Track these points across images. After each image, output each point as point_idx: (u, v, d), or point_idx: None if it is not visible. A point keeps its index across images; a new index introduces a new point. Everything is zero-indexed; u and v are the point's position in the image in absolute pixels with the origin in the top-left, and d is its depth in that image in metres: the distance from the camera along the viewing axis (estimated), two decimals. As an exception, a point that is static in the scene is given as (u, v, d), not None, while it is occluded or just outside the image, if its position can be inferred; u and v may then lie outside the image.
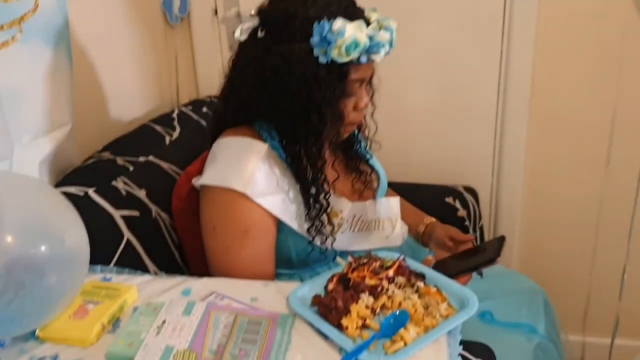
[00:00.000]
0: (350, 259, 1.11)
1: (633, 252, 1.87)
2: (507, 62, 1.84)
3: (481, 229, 1.88)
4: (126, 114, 1.63)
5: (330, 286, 1.05)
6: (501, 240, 1.26)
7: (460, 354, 0.98)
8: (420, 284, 1.05)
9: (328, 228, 1.22)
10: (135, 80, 1.71)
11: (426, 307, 0.99)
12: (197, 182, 1.22)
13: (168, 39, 1.90)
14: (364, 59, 1.12)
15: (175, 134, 1.57)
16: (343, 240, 1.27)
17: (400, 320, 0.96)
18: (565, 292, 2.01)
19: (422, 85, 1.93)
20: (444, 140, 1.98)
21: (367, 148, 1.43)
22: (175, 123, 1.62)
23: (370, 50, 1.12)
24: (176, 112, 1.70)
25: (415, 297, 1.01)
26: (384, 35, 1.13)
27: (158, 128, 1.56)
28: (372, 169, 1.41)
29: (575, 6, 1.77)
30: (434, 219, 1.48)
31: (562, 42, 1.81)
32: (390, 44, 1.16)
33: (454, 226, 1.47)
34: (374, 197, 1.38)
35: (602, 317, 2.01)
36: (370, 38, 1.11)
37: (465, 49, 1.86)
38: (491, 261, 1.23)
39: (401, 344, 0.92)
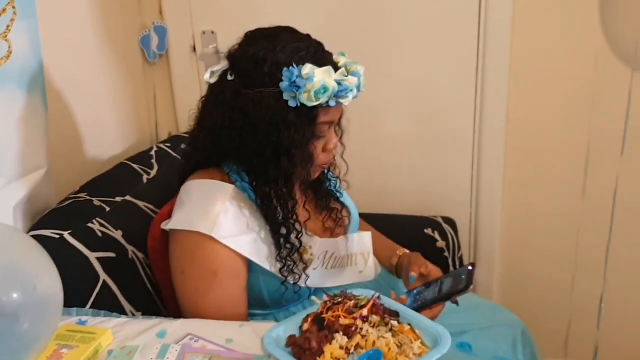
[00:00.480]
0: (325, 297, 1.11)
1: (610, 280, 1.89)
2: (482, 95, 1.87)
3: (460, 259, 1.90)
4: (104, 153, 1.64)
5: (305, 326, 1.05)
6: (472, 267, 1.27)
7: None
8: (394, 322, 1.05)
9: (300, 267, 1.23)
10: (113, 119, 1.72)
11: (399, 346, 1.00)
12: (165, 226, 1.22)
13: (146, 76, 1.92)
14: (332, 102, 1.14)
15: (153, 172, 1.57)
16: (316, 277, 1.28)
17: (374, 359, 0.96)
18: (546, 320, 2.03)
19: (401, 119, 1.95)
20: (423, 172, 2.01)
21: (338, 186, 1.43)
22: (153, 160, 1.63)
23: (338, 94, 1.14)
24: (154, 149, 1.71)
25: (388, 335, 1.02)
26: (351, 80, 1.15)
27: (135, 166, 1.57)
28: (343, 205, 1.42)
29: (548, 40, 1.82)
30: (406, 250, 1.49)
31: (535, 76, 1.85)
32: (358, 88, 1.18)
33: (434, 257, 1.48)
34: (345, 233, 1.39)
35: (582, 344, 2.03)
36: (339, 83, 1.13)
37: (441, 83, 1.90)
38: (464, 290, 1.24)
39: (374, 384, 0.92)
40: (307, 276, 1.24)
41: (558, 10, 1.79)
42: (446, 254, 1.83)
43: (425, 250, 1.56)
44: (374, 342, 1.00)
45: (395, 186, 2.03)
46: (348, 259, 1.35)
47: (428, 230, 1.84)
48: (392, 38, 1.88)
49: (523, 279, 2.07)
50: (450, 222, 1.91)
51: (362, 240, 1.40)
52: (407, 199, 2.02)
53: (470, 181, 1.98)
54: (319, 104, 1.12)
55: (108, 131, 1.69)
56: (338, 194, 1.42)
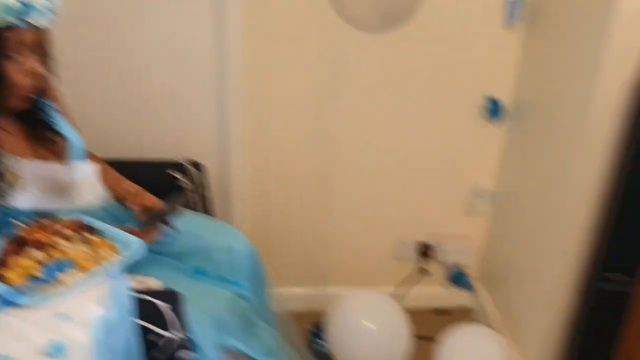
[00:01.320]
0: (29, 221, 1.18)
1: (336, 217, 2.20)
2: (221, 49, 2.00)
3: (205, 199, 2.03)
4: None
5: (4, 245, 1.11)
6: (180, 193, 1.44)
7: (144, 299, 1.09)
8: (92, 237, 1.16)
9: (8, 191, 1.24)
10: None
11: (93, 256, 1.11)
12: None
13: None
14: (21, 23, 1.18)
15: None
16: (35, 201, 1.28)
17: (64, 267, 1.06)
18: (290, 253, 2.27)
19: (156, 73, 2.01)
20: (175, 121, 2.10)
21: (57, 117, 1.44)
22: None
23: (25, 14, 1.18)
24: None
25: (84, 247, 1.12)
26: (38, 1, 1.19)
27: None
28: (61, 136, 1.40)
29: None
30: (135, 185, 1.57)
31: (269, 31, 2.02)
32: (50, 10, 1.22)
33: (177, 196, 1.56)
34: (65, 162, 1.39)
35: (319, 271, 2.32)
36: (24, 3, 1.17)
37: (182, 39, 1.97)
38: (172, 212, 1.43)
39: (61, 287, 1.02)
40: (14, 202, 1.25)
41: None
42: (192, 194, 1.95)
43: (168, 189, 1.68)
44: (68, 255, 1.09)
45: (149, 133, 2.10)
46: (70, 185, 1.38)
47: (172, 172, 1.94)
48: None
49: (270, 215, 2.27)
50: (196, 164, 2.03)
51: (84, 169, 1.43)
52: (159, 145, 2.11)
53: (217, 129, 2.12)
54: (5, 23, 1.15)
55: None
56: (55, 125, 1.40)
